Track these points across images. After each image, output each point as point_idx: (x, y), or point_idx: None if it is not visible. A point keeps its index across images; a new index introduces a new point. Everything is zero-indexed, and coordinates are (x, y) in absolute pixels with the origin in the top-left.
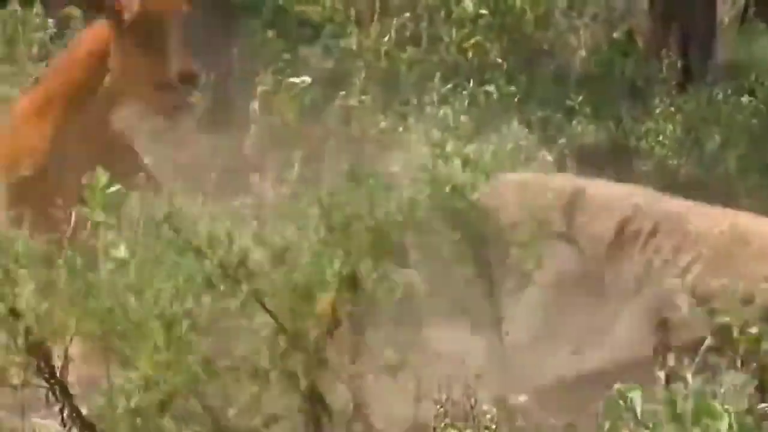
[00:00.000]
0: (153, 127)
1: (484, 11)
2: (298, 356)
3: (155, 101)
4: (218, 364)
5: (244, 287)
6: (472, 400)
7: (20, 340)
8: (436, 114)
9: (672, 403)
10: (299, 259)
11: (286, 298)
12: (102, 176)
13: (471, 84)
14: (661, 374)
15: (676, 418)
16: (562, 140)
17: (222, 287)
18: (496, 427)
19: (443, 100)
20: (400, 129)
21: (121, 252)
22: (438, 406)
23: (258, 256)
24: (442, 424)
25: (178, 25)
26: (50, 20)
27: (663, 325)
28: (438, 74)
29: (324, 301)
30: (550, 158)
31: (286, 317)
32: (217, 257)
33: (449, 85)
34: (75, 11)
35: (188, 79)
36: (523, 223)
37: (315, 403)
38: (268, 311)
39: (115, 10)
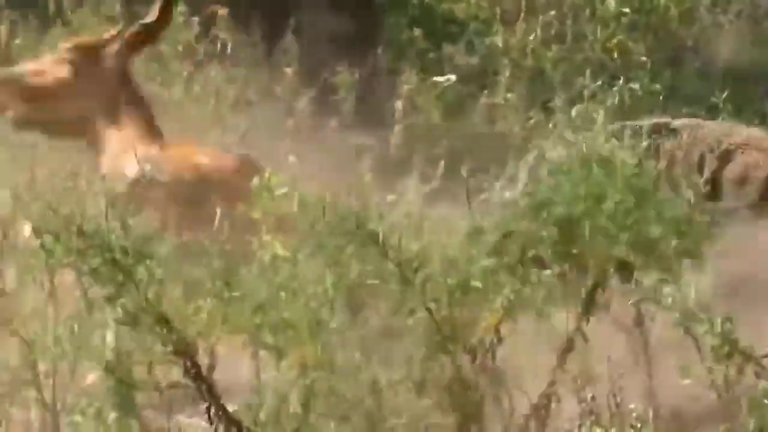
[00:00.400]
0: (297, 126)
1: (627, 9)
2: (455, 367)
3: None
4: (376, 367)
5: (417, 290)
6: (617, 398)
7: (167, 341)
8: (585, 111)
9: None
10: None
11: (453, 310)
12: (273, 176)
13: (621, 81)
14: None
15: None
16: None
17: (395, 287)
18: (641, 426)
19: (590, 98)
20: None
21: (280, 250)
22: (582, 404)
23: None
24: (587, 422)
25: None
26: (194, 18)
27: None
28: (585, 72)
29: (491, 320)
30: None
31: (450, 328)
32: (398, 257)
33: (598, 82)
34: (220, 9)
35: None
36: None
37: (470, 415)
38: (434, 319)
39: None
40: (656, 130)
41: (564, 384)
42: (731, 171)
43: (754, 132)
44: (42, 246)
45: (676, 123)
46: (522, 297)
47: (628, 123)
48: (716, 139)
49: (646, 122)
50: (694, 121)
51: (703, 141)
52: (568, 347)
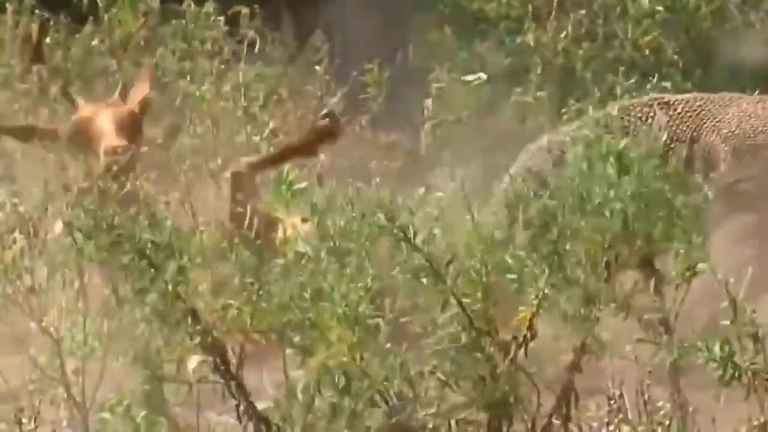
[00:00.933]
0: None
1: (659, 8)
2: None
3: None
4: (406, 360)
5: (448, 284)
6: (646, 395)
7: (196, 337)
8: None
9: None
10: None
11: (486, 303)
12: (290, 172)
13: (654, 79)
14: None
15: None
16: None
17: (426, 281)
18: (669, 423)
19: (622, 96)
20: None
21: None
22: (611, 401)
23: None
24: (616, 420)
25: None
26: (221, 18)
27: None
28: (616, 70)
29: (524, 315)
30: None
31: (482, 321)
32: (427, 251)
33: (632, 80)
34: (244, 8)
35: None
36: None
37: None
38: (466, 313)
39: None
40: (650, 106)
41: (592, 381)
42: (729, 143)
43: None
44: (73, 241)
45: (671, 97)
46: (558, 291)
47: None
48: (712, 111)
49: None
50: (690, 95)
51: (698, 114)
52: (584, 345)
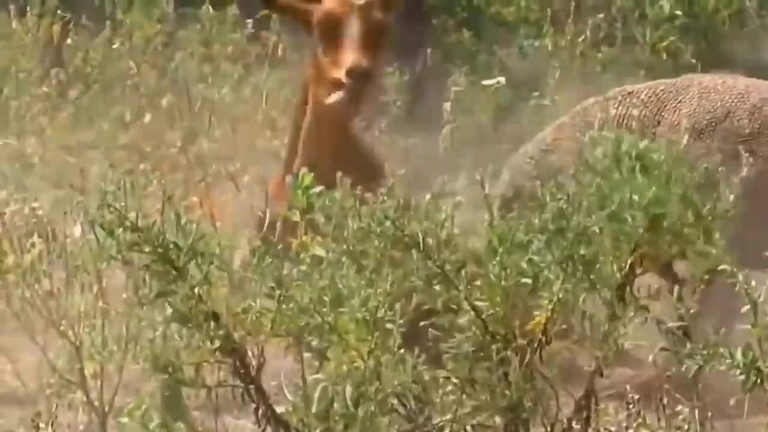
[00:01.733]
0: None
1: (678, 12)
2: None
3: (330, 100)
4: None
5: (461, 289)
6: (665, 399)
7: (216, 341)
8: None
9: None
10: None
11: (500, 308)
12: (306, 177)
13: None
14: None
15: None
16: None
17: (438, 288)
18: (688, 428)
19: None
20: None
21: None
22: (630, 405)
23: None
24: (635, 424)
25: (355, 24)
26: (248, 21)
27: None
28: (635, 74)
29: (538, 320)
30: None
31: (497, 325)
32: (441, 257)
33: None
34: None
35: (356, 75)
36: None
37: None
38: (480, 318)
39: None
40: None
41: (611, 386)
42: (689, 120)
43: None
44: (96, 239)
45: (634, 87)
46: (573, 295)
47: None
48: (674, 93)
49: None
50: (653, 82)
51: (659, 98)
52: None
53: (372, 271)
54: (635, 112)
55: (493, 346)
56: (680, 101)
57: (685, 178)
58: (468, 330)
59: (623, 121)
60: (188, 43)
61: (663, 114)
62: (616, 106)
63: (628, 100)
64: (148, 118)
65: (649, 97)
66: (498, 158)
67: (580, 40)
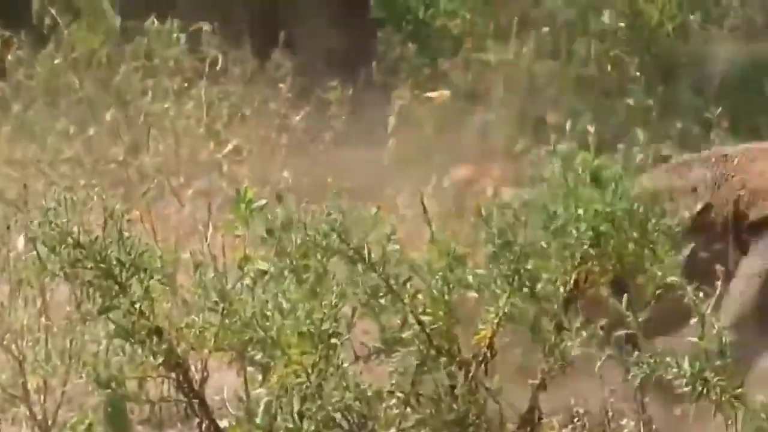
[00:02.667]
0: (292, 141)
1: (621, 24)
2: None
3: None
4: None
5: (406, 302)
6: (610, 413)
7: (159, 356)
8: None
9: None
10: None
11: (445, 322)
12: (248, 190)
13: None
14: None
15: None
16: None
17: (383, 301)
18: None
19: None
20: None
21: (263, 265)
22: (575, 419)
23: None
24: None
25: None
26: (182, 35)
27: None
28: (578, 88)
29: (483, 334)
30: None
31: (442, 339)
32: (386, 271)
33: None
34: (205, 25)
35: None
36: None
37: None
38: (425, 332)
39: None
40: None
41: (557, 400)
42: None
43: None
44: (37, 256)
45: (729, 150)
46: (517, 309)
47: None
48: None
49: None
50: (745, 146)
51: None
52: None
53: (316, 284)
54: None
55: (439, 360)
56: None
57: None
58: (413, 344)
59: (717, 185)
60: (132, 57)
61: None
62: (711, 167)
63: (722, 164)
64: (91, 131)
65: (741, 161)
66: (442, 171)
67: (524, 52)
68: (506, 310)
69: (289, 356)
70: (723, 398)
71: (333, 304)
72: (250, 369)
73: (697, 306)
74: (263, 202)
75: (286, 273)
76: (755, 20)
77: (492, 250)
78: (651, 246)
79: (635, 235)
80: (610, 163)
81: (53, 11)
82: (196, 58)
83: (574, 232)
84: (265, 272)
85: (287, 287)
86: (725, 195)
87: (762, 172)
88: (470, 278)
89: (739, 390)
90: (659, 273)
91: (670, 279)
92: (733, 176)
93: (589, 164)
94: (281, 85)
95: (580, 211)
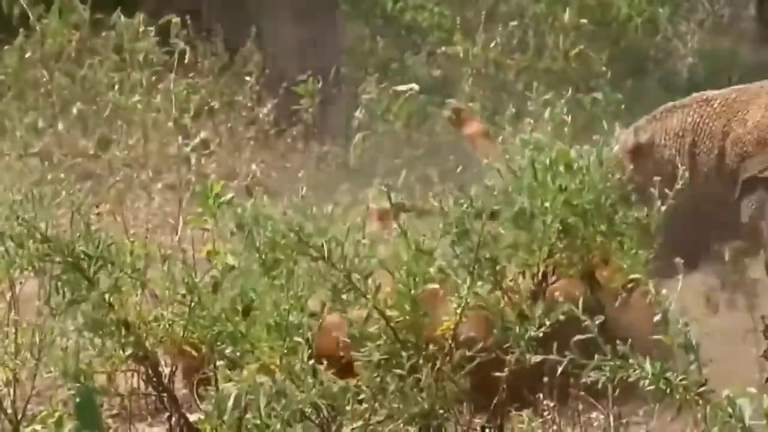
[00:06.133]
0: (260, 134)
1: (584, 20)
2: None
3: None
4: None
5: (369, 298)
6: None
7: (128, 349)
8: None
9: None
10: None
11: (409, 316)
12: (215, 184)
13: (574, 91)
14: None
15: None
16: None
17: (345, 297)
18: None
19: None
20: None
21: (231, 260)
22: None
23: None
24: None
25: None
26: (151, 29)
27: None
28: (547, 81)
29: (447, 325)
30: None
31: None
32: (346, 267)
33: (548, 95)
34: (175, 18)
35: None
36: None
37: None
38: (390, 327)
39: None
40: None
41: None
42: (753, 133)
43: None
44: (5, 251)
45: (711, 93)
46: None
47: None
48: (743, 103)
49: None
50: (728, 89)
51: (731, 108)
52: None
53: (283, 278)
54: (708, 123)
55: (404, 354)
56: (748, 111)
57: (600, 186)
58: (378, 338)
59: (698, 131)
60: (101, 50)
61: (732, 125)
62: (692, 114)
63: (703, 108)
64: (60, 125)
65: (722, 106)
66: (411, 165)
67: (492, 46)
68: (468, 300)
69: (259, 350)
70: (686, 397)
71: (299, 296)
72: (219, 363)
73: (660, 302)
74: (230, 195)
75: (254, 267)
76: (722, 14)
77: (452, 240)
78: (619, 239)
79: (603, 227)
80: (580, 154)
81: (23, 3)
82: (165, 52)
83: (541, 224)
84: (233, 267)
85: (256, 281)
86: (707, 141)
87: (744, 116)
88: (432, 270)
89: (703, 388)
90: (626, 266)
91: (634, 275)
92: (714, 121)
93: (560, 155)
94: (247, 78)
95: (547, 204)
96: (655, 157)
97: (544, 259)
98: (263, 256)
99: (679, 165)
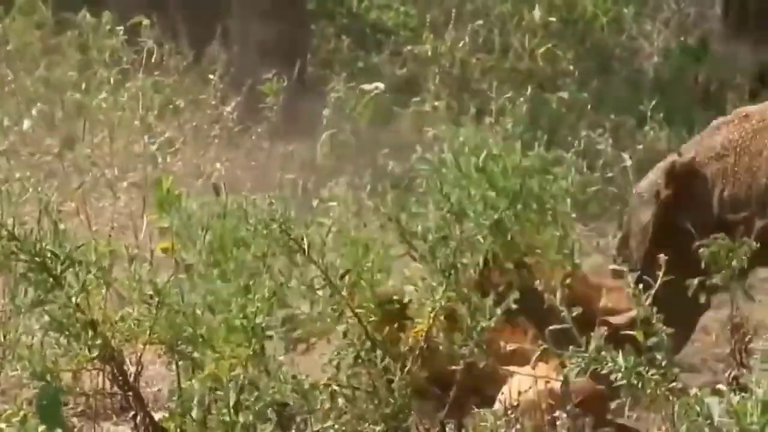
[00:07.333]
0: (225, 132)
1: (552, 18)
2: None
3: None
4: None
5: (343, 295)
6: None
7: (94, 348)
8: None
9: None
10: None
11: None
12: (167, 179)
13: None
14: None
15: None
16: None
17: (321, 293)
18: None
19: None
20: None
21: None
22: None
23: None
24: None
25: None
26: (120, 27)
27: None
28: (514, 80)
29: (420, 327)
30: (629, 162)
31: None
32: (324, 263)
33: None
34: (144, 18)
35: None
36: None
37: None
38: (362, 325)
39: None
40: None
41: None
42: None
43: None
44: None
45: (751, 109)
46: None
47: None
48: None
49: None
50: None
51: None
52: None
53: (247, 278)
54: (747, 140)
55: (376, 353)
56: None
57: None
58: (350, 337)
59: (738, 149)
60: (66, 49)
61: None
62: (733, 131)
63: (742, 125)
64: (26, 124)
65: (759, 122)
66: (376, 163)
67: (459, 46)
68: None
69: (221, 352)
70: (658, 392)
71: (267, 298)
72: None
73: (636, 297)
74: (183, 190)
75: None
76: (687, 13)
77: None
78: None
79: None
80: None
81: None
82: (132, 51)
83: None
84: (191, 265)
85: (215, 282)
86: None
87: None
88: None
89: (674, 383)
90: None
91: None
92: (752, 138)
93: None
94: (211, 77)
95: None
96: (698, 176)
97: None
98: (221, 256)
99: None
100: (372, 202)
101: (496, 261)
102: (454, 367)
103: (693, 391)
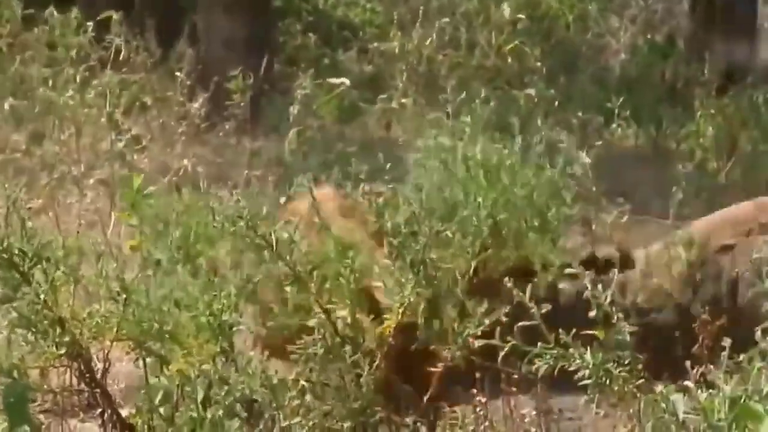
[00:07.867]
0: (192, 129)
1: (521, 15)
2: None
3: None
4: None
5: (313, 291)
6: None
7: (62, 345)
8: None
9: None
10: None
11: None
12: (136, 177)
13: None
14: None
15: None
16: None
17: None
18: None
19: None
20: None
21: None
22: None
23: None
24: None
25: None
26: (89, 23)
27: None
28: (481, 77)
29: (388, 324)
30: (588, 160)
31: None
32: (293, 259)
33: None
34: (113, 14)
35: None
36: None
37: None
38: (332, 322)
39: None
40: None
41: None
42: None
43: None
44: None
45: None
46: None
47: None
48: None
49: None
50: None
51: None
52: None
53: (213, 275)
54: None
55: (345, 349)
56: None
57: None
58: (318, 332)
59: None
60: (35, 46)
61: None
62: None
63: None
64: None
65: None
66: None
67: (427, 43)
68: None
69: (188, 348)
70: (625, 389)
71: (232, 295)
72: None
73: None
74: (152, 188)
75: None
76: (655, 10)
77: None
78: (551, 235)
79: (535, 223)
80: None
81: None
82: (100, 48)
83: (474, 219)
84: (158, 261)
85: (183, 278)
86: None
87: None
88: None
89: (641, 381)
90: (557, 261)
91: (568, 269)
92: None
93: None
94: (178, 74)
95: (480, 199)
96: None
97: (476, 254)
98: (189, 251)
99: None
100: (343, 197)
101: (487, 266)
102: (432, 369)
103: (659, 388)
